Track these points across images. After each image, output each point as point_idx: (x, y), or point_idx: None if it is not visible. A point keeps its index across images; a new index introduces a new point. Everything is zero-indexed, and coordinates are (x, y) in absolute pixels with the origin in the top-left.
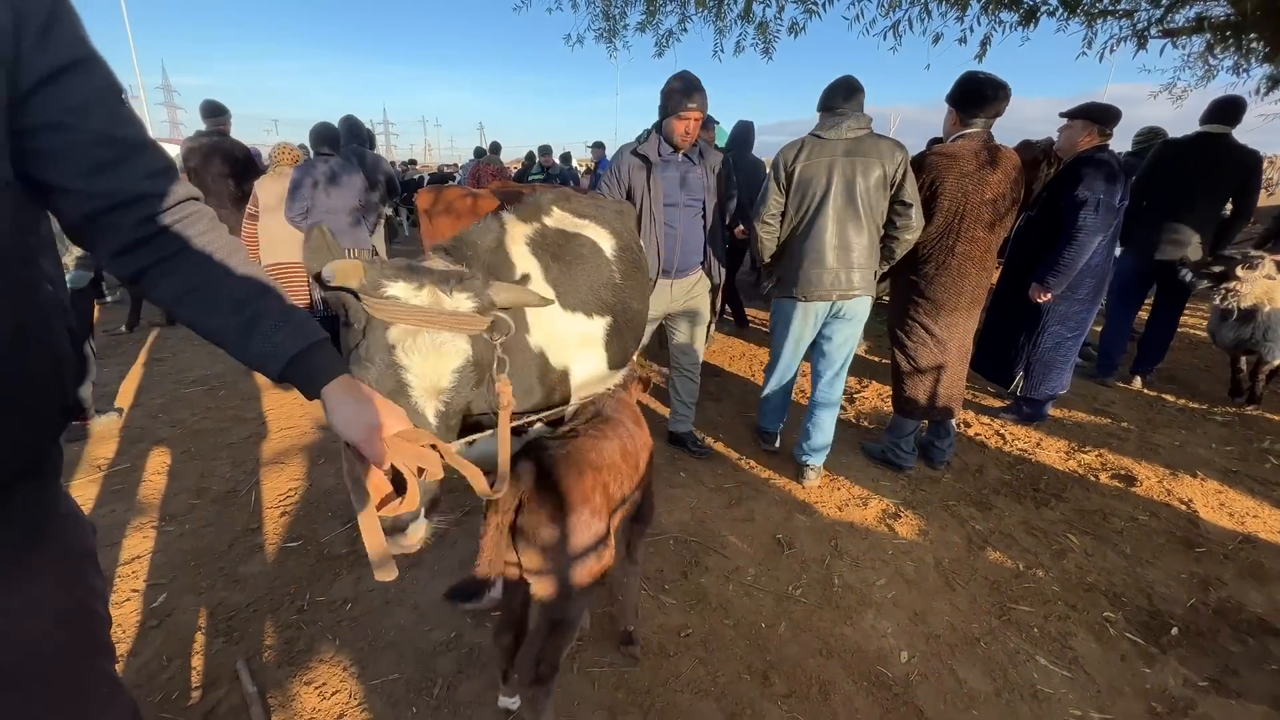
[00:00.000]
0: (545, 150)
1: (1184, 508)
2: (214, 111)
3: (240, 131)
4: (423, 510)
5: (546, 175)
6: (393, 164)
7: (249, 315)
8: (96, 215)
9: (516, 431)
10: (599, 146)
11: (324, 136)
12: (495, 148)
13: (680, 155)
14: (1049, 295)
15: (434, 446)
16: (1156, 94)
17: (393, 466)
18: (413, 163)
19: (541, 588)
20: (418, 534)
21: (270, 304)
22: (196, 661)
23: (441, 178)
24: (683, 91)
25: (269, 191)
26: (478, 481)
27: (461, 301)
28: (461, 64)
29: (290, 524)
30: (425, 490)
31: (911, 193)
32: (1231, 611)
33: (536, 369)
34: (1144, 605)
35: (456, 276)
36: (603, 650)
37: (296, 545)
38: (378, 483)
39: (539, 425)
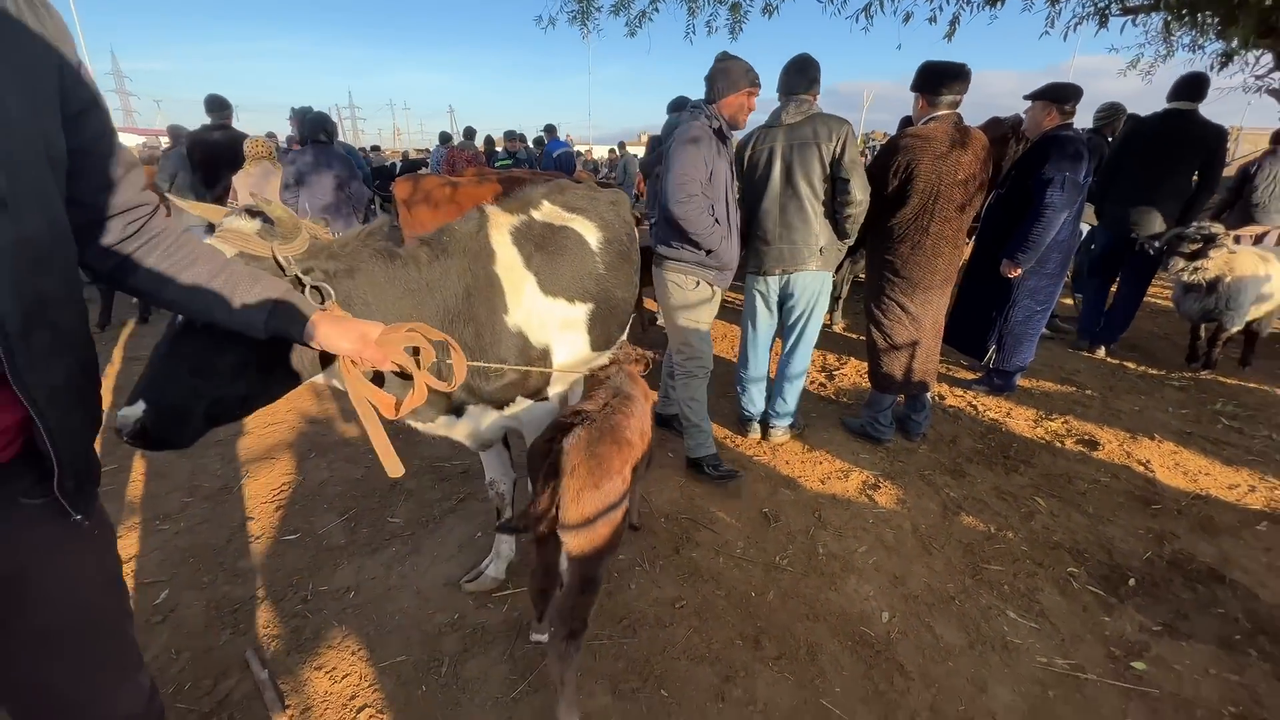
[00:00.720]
0: (511, 135)
1: (1142, 469)
2: (218, 106)
3: (199, 119)
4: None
5: (514, 160)
6: (360, 150)
7: (226, 278)
8: (95, 222)
9: (499, 404)
10: (550, 129)
11: (318, 123)
12: (469, 133)
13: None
14: (1019, 270)
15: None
16: (1125, 71)
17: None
18: (376, 149)
19: (575, 544)
20: None
21: (238, 268)
22: (205, 653)
23: (413, 165)
24: (746, 67)
25: (246, 186)
26: (382, 398)
27: (245, 225)
28: (431, 44)
29: (286, 517)
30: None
31: (851, 168)
32: (1184, 562)
33: (515, 347)
34: (1104, 560)
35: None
36: (601, 625)
37: (295, 538)
38: (383, 396)
39: (527, 402)
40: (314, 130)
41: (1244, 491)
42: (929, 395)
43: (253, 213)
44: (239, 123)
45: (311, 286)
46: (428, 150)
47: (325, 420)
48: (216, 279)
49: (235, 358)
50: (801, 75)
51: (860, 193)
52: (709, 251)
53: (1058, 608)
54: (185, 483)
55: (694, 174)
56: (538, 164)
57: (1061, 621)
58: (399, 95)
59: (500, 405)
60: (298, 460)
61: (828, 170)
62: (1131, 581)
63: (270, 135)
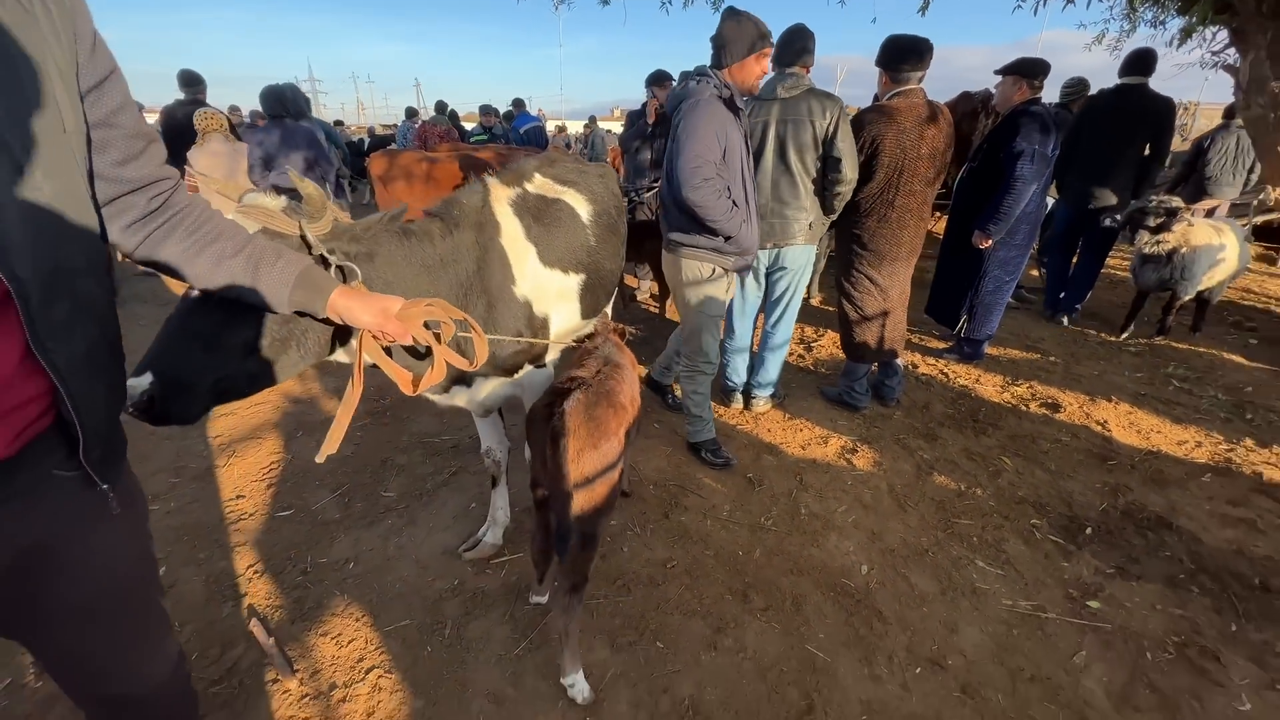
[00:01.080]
0: (486, 110)
1: (1100, 428)
2: (191, 81)
3: (148, 92)
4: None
5: (490, 135)
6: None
7: (250, 253)
8: (119, 197)
9: (509, 372)
10: (518, 104)
11: (275, 98)
12: (440, 107)
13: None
14: (990, 241)
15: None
16: (1090, 46)
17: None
18: (339, 124)
19: (575, 503)
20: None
21: (261, 242)
22: (209, 625)
23: (380, 141)
24: (758, 25)
25: (210, 166)
26: (401, 374)
27: (270, 202)
28: (394, 14)
29: (278, 494)
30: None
31: (843, 147)
32: (1136, 512)
33: (524, 316)
34: (1065, 512)
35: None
36: (597, 586)
37: (289, 514)
38: (402, 373)
39: (529, 368)
40: (272, 106)
41: (1191, 447)
42: (900, 361)
43: (279, 190)
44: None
45: (336, 266)
46: (394, 125)
47: (310, 400)
48: (240, 254)
49: (248, 334)
50: (788, 48)
51: (850, 171)
52: (728, 238)
53: (1022, 556)
54: (170, 464)
55: (707, 155)
56: (509, 140)
57: (1025, 568)
58: (362, 68)
59: (510, 373)
60: (285, 439)
61: (820, 148)
62: (1088, 530)
63: (234, 109)
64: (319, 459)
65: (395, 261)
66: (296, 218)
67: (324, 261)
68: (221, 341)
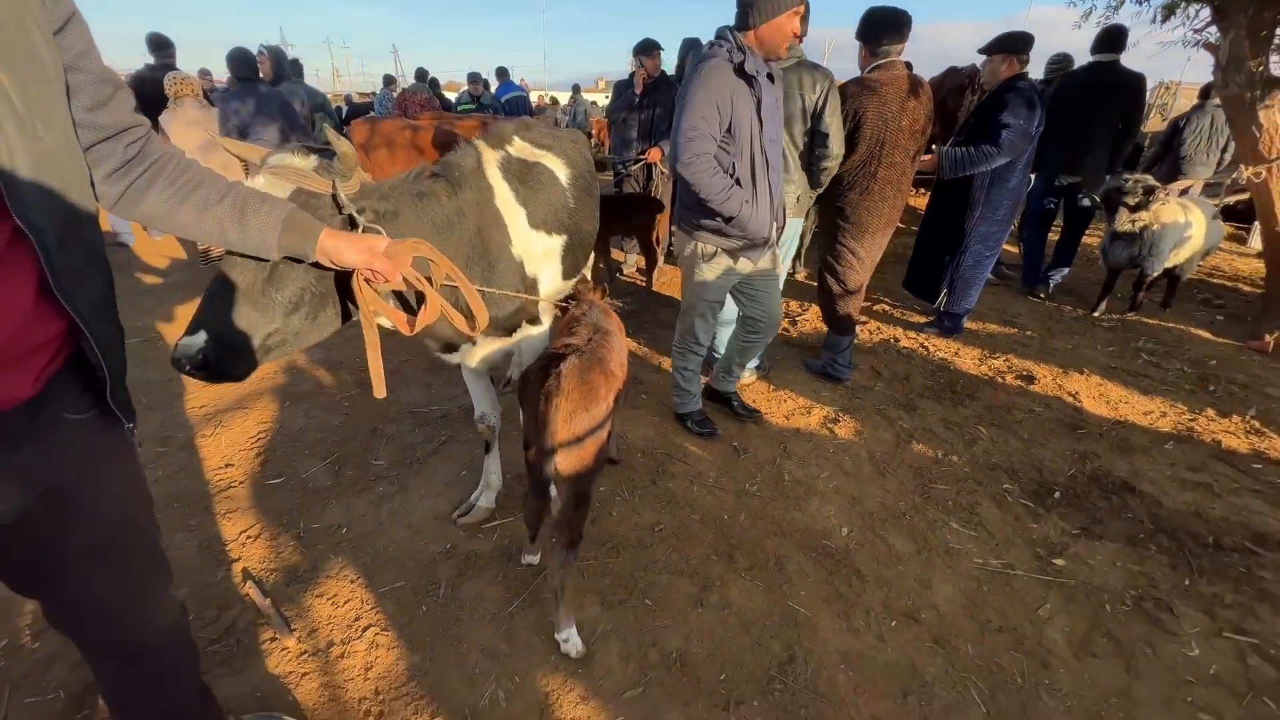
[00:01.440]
0: (474, 78)
1: (1071, 399)
2: (160, 44)
3: (111, 54)
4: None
5: (478, 105)
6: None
7: (234, 199)
8: (95, 145)
9: (509, 330)
10: (502, 72)
11: (242, 61)
12: (421, 74)
13: (767, 72)
14: (926, 160)
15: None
16: (1079, 22)
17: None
18: None
19: (567, 462)
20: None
21: (243, 189)
22: (204, 588)
23: (358, 110)
24: None
25: (181, 131)
26: (397, 315)
27: (301, 161)
28: None
29: (267, 463)
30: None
31: (831, 122)
32: (1102, 477)
33: (519, 276)
34: (1035, 477)
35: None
36: (587, 548)
37: (280, 481)
38: (398, 314)
39: (528, 328)
40: (239, 69)
41: (1156, 417)
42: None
43: (310, 149)
44: (152, 61)
45: (364, 228)
46: (372, 93)
47: (297, 370)
48: (225, 200)
49: (291, 290)
50: None
51: (837, 147)
52: (728, 219)
53: (994, 518)
54: (156, 433)
55: (703, 128)
56: (498, 110)
57: (996, 529)
58: (337, 33)
59: (509, 332)
60: (272, 409)
61: (808, 121)
62: (1057, 494)
63: (204, 73)
64: (379, 395)
65: (412, 221)
66: (330, 176)
67: (352, 221)
68: (268, 299)
